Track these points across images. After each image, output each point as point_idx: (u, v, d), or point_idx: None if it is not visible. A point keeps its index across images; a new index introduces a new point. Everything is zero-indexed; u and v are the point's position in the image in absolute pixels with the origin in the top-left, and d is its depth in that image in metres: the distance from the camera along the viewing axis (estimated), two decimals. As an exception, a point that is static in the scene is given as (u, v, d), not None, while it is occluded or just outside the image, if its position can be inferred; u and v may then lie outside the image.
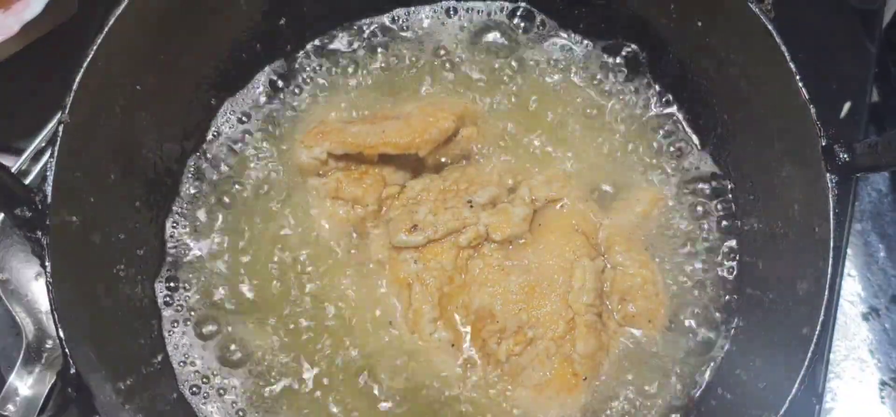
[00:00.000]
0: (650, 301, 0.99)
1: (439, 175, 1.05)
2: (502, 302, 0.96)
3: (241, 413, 0.96)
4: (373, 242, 1.02)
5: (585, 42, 1.13)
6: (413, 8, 1.14)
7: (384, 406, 0.96)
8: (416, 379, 0.97)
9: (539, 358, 0.94)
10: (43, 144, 1.12)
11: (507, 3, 1.14)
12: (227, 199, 1.05)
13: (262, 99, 1.10)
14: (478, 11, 1.15)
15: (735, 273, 1.02)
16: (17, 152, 1.13)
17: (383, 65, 1.12)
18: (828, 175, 0.87)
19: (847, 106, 1.17)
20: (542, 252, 0.99)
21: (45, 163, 0.87)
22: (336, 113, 1.09)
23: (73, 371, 0.81)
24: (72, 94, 0.87)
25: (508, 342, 0.95)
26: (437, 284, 0.98)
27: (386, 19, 1.14)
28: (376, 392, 0.96)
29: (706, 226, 1.05)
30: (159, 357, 0.97)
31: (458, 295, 0.98)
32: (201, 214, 1.04)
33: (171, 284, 1.01)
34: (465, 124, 1.06)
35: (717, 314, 1.01)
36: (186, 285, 1.01)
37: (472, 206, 1.00)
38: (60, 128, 0.86)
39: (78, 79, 0.87)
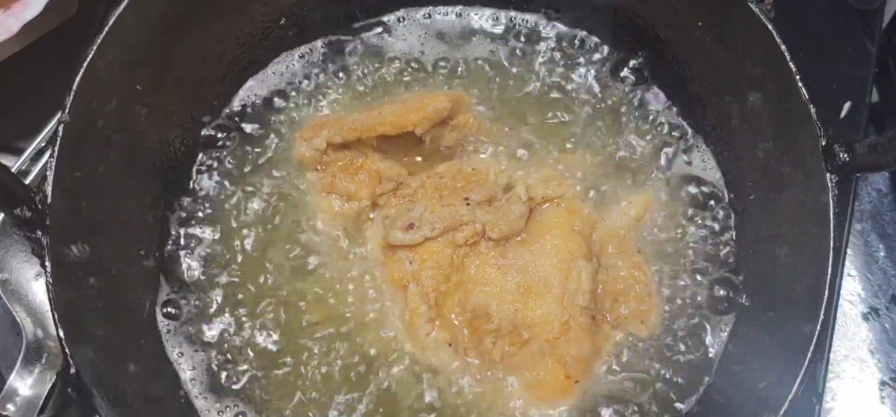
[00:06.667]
0: (642, 302, 0.99)
1: (435, 171, 1.05)
2: (498, 301, 0.96)
3: (241, 414, 0.96)
4: (369, 240, 1.02)
5: (584, 42, 1.13)
6: (411, 10, 1.15)
7: (381, 405, 0.96)
8: (412, 379, 0.97)
9: (533, 359, 0.94)
10: (43, 144, 1.12)
11: (506, 5, 1.15)
12: (227, 198, 1.05)
13: (262, 98, 1.11)
14: (477, 14, 1.15)
15: (734, 272, 1.02)
16: (17, 152, 1.13)
17: (381, 66, 1.12)
18: (828, 175, 0.87)
19: (847, 106, 1.17)
20: (538, 252, 0.98)
21: (45, 163, 0.88)
22: (334, 112, 1.09)
23: (73, 371, 0.81)
24: (72, 94, 0.87)
25: (503, 342, 0.95)
26: (434, 284, 0.97)
27: (384, 21, 1.15)
28: (373, 390, 0.96)
29: (705, 226, 1.05)
30: (160, 357, 0.97)
31: (454, 293, 0.98)
32: (202, 214, 1.04)
33: (173, 283, 1.01)
34: (460, 110, 1.06)
35: (716, 314, 1.00)
36: (188, 285, 1.01)
37: (468, 204, 1.00)
38: (60, 128, 0.86)
39: (78, 80, 0.87)
